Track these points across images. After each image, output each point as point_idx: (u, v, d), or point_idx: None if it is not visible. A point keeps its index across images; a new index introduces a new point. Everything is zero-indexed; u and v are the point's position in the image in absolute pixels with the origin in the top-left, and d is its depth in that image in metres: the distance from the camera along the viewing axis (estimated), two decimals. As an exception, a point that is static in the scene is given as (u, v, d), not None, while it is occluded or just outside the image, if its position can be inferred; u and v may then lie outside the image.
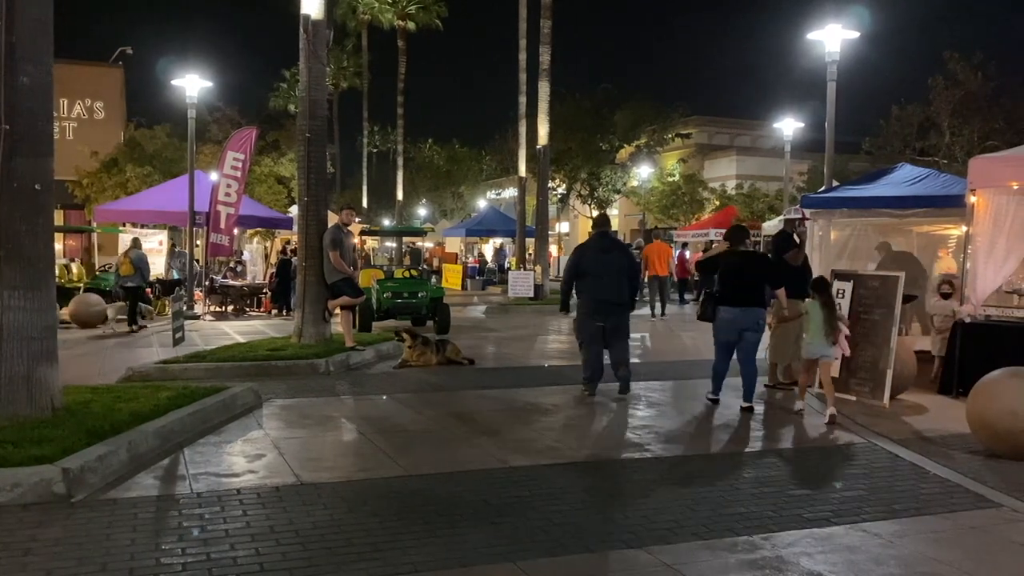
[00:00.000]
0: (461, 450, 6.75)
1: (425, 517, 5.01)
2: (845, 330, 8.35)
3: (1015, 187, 9.02)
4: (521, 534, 4.76)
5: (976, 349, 9.04)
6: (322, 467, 6.13)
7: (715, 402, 8.78)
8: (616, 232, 43.89)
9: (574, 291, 9.34)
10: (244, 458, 6.33)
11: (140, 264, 15.55)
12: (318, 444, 6.93)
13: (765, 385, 9.78)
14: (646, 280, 20.87)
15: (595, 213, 37.35)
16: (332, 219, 13.01)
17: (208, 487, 5.53)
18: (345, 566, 4.23)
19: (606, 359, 9.32)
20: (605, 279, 9.03)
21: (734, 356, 8.69)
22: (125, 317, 15.34)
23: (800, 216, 10.60)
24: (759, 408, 8.76)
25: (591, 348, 9.21)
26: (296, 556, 4.35)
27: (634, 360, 12.41)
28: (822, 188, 18.00)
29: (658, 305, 20.27)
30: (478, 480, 5.85)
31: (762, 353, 10.56)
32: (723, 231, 30.58)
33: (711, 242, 29.68)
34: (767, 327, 9.53)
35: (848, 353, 8.67)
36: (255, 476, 5.85)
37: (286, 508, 5.14)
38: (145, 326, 15.51)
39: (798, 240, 10.07)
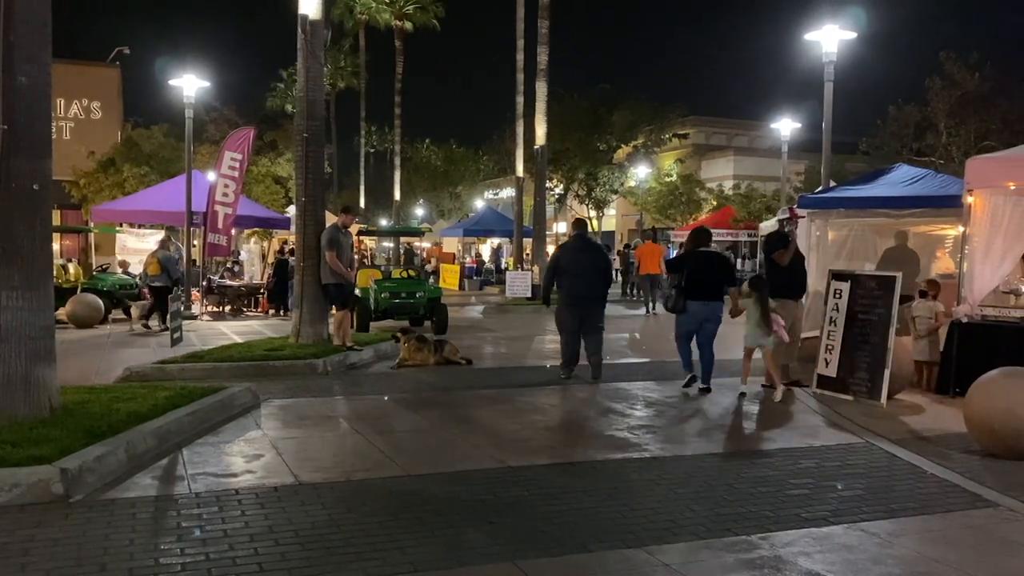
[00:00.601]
0: (459, 450, 6.76)
1: (423, 517, 5.02)
2: (780, 320, 9.22)
3: (1012, 187, 9.03)
4: (520, 534, 4.77)
5: (973, 349, 9.06)
6: (320, 467, 6.13)
7: (693, 379, 9.53)
8: (613, 232, 44.13)
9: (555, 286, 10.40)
10: (242, 458, 6.33)
11: (168, 264, 15.89)
12: (316, 444, 6.92)
13: (763, 385, 9.79)
14: (637, 279, 21.41)
15: (592, 213, 37.64)
16: (330, 220, 13.00)
17: (207, 487, 5.53)
18: (344, 566, 4.24)
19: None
20: (581, 276, 10.04)
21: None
22: (141, 316, 15.96)
23: (788, 215, 10.56)
24: (755, 408, 8.80)
25: (567, 337, 10.27)
26: (295, 556, 4.34)
27: (631, 360, 12.47)
28: (819, 188, 18.02)
29: (651, 304, 20.62)
30: (476, 480, 5.85)
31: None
32: (721, 231, 30.97)
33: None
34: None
35: (787, 340, 9.40)
36: (253, 476, 5.85)
37: (285, 508, 5.14)
38: (149, 327, 15.60)
39: (789, 240, 10.04)
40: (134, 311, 16.33)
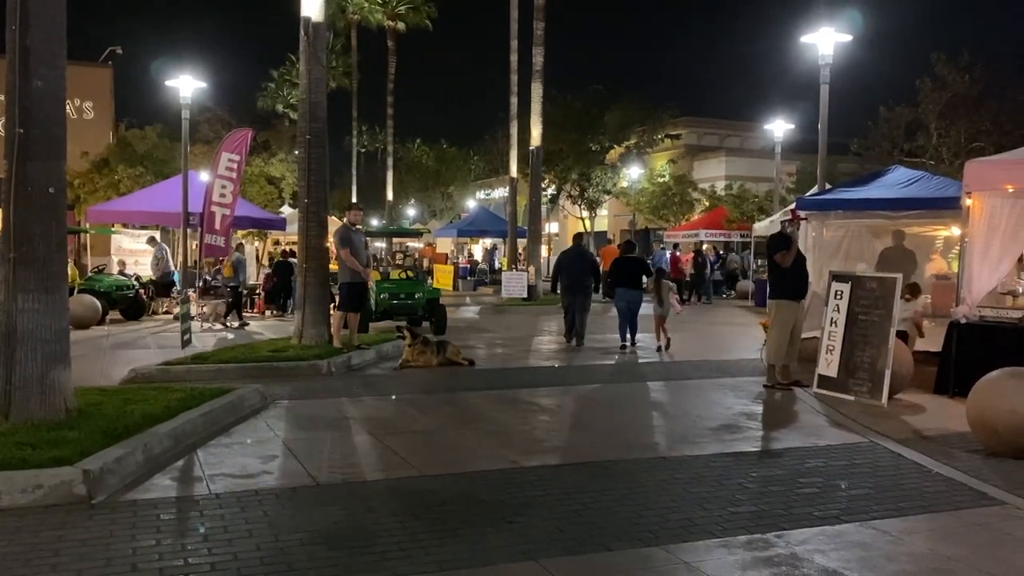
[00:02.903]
0: (471, 450, 6.83)
1: (443, 517, 5.09)
2: (674, 296, 13.99)
3: (1010, 190, 9.17)
4: (539, 533, 4.84)
5: (971, 349, 9.19)
6: (335, 468, 6.19)
7: (623, 347, 13.46)
8: (605, 232, 44.46)
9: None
10: (257, 459, 6.38)
11: (238, 267, 17.59)
12: (328, 445, 6.98)
13: (764, 386, 9.92)
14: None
15: (585, 214, 37.79)
16: (331, 222, 13.07)
17: (226, 488, 5.58)
18: (371, 565, 4.30)
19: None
20: (572, 273, 14.08)
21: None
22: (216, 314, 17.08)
23: (790, 217, 10.74)
24: (759, 408, 8.92)
25: (566, 316, 14.27)
26: (322, 556, 4.41)
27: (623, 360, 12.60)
28: (813, 189, 18.18)
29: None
30: (491, 480, 5.93)
31: (755, 354, 10.92)
32: (714, 232, 31.13)
33: (701, 243, 29.97)
34: (763, 327, 10.04)
35: (679, 311, 14.09)
36: (271, 477, 5.91)
37: (305, 509, 5.21)
38: (227, 324, 16.70)
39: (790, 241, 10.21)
40: (207, 309, 17.10)
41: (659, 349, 13.31)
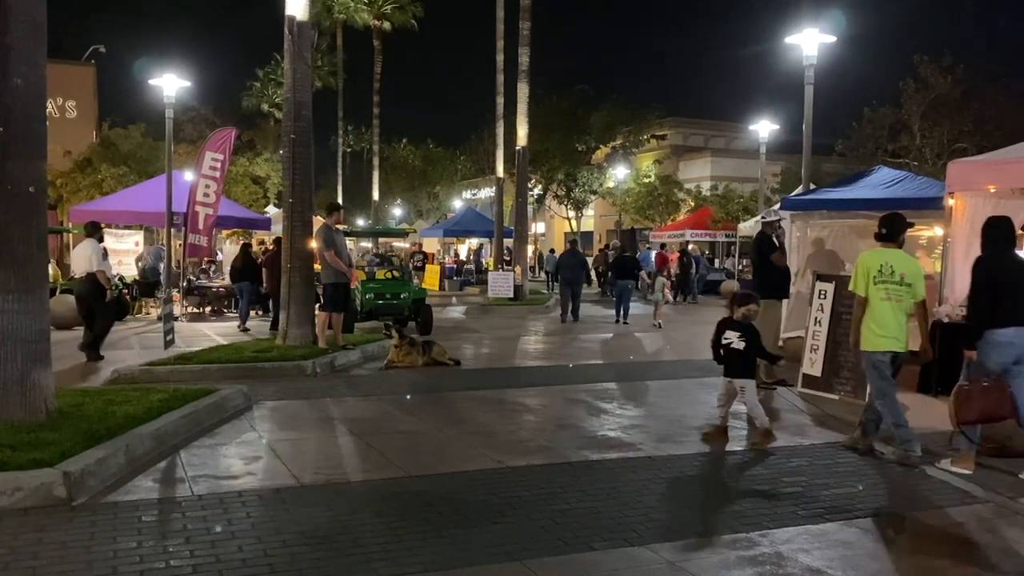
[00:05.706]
0: (456, 451, 6.81)
1: (428, 518, 5.07)
2: (668, 287, 19.62)
3: (992, 190, 9.23)
4: (524, 533, 4.84)
5: (953, 349, 9.22)
6: (320, 469, 6.16)
7: (617, 322, 17.74)
8: (592, 232, 44.55)
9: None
10: (241, 460, 6.35)
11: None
12: (313, 446, 6.95)
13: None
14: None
15: (571, 214, 37.83)
16: (316, 222, 12.99)
17: (209, 489, 5.54)
18: (355, 567, 4.28)
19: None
20: (569, 270, 18.84)
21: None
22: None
23: (774, 219, 10.84)
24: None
25: (563, 300, 18.74)
26: (305, 557, 4.38)
27: (613, 362, 12.59)
28: (798, 190, 18.25)
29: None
30: (476, 480, 5.91)
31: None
32: (699, 231, 31.24)
33: (687, 242, 30.06)
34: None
35: (671, 300, 20.36)
36: (254, 478, 5.87)
37: (289, 510, 5.17)
38: None
39: (777, 243, 10.27)
40: None
41: (655, 326, 17.21)
